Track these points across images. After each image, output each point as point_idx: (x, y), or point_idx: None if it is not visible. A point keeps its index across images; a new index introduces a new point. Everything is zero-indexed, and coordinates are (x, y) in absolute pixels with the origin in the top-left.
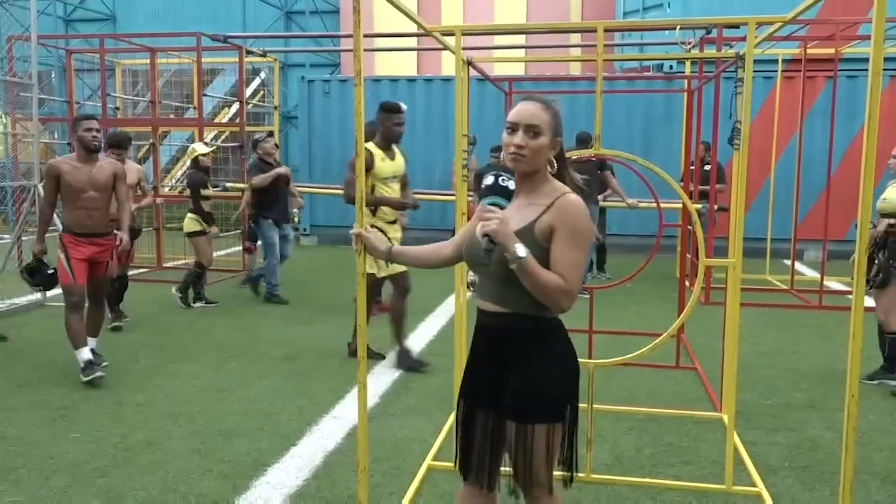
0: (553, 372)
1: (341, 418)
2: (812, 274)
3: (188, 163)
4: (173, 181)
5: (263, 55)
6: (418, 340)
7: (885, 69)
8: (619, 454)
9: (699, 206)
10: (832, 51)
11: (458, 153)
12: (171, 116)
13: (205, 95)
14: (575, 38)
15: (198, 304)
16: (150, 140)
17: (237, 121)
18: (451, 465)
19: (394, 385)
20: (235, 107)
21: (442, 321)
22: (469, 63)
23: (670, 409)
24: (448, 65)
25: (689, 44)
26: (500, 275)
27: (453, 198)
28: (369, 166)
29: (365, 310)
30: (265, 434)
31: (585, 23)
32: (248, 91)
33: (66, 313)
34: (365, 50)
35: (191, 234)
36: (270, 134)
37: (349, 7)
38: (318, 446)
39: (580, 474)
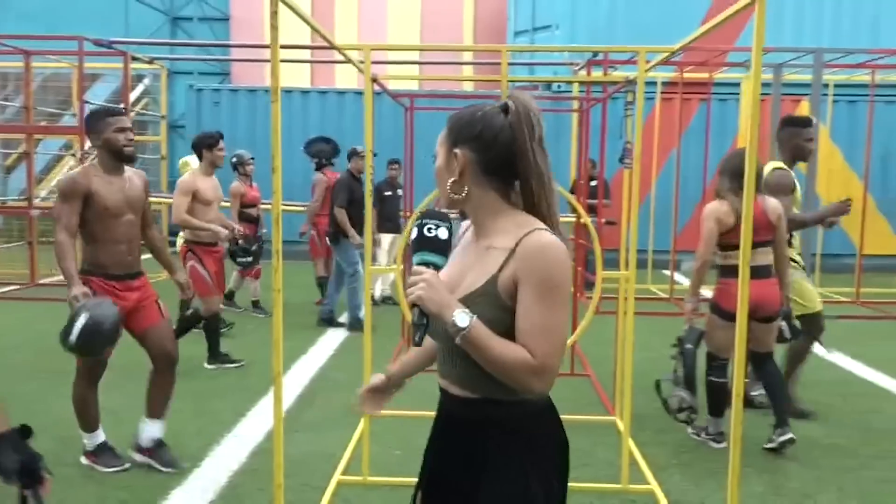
0: (536, 481)
1: (243, 437)
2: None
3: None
4: (44, 192)
5: (150, 62)
6: (319, 354)
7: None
8: None
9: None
10: (706, 75)
11: (367, 170)
12: (43, 123)
13: (85, 102)
14: (467, 55)
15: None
16: (22, 148)
17: None
18: (361, 478)
19: (297, 401)
20: None
21: (345, 333)
22: (374, 80)
23: (567, 416)
24: (342, 77)
25: (578, 65)
26: (462, 350)
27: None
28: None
29: (280, 325)
30: None
31: (492, 45)
32: (131, 98)
33: (79, 386)
34: (256, 60)
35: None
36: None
37: (239, 14)
38: (221, 466)
39: None
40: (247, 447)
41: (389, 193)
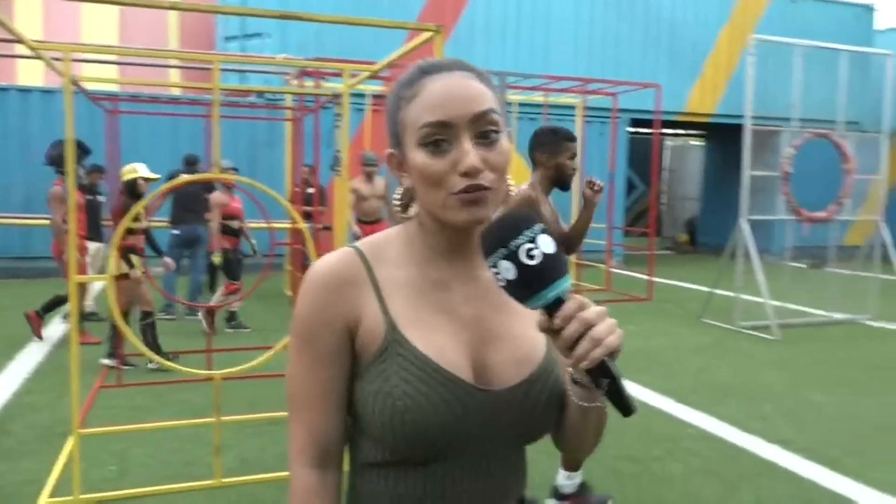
0: None
1: None
2: None
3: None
4: None
5: None
6: (12, 377)
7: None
8: (245, 458)
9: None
10: None
11: (71, 178)
12: None
13: None
14: (174, 58)
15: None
16: None
17: None
18: (71, 498)
19: None
20: None
21: (37, 357)
22: (75, 83)
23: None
24: (25, 74)
25: (290, 75)
26: (525, 430)
27: (35, 222)
28: None
29: None
30: None
31: (202, 55)
32: None
33: None
34: None
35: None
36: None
37: None
38: None
39: (210, 481)
40: None
41: (90, 198)
